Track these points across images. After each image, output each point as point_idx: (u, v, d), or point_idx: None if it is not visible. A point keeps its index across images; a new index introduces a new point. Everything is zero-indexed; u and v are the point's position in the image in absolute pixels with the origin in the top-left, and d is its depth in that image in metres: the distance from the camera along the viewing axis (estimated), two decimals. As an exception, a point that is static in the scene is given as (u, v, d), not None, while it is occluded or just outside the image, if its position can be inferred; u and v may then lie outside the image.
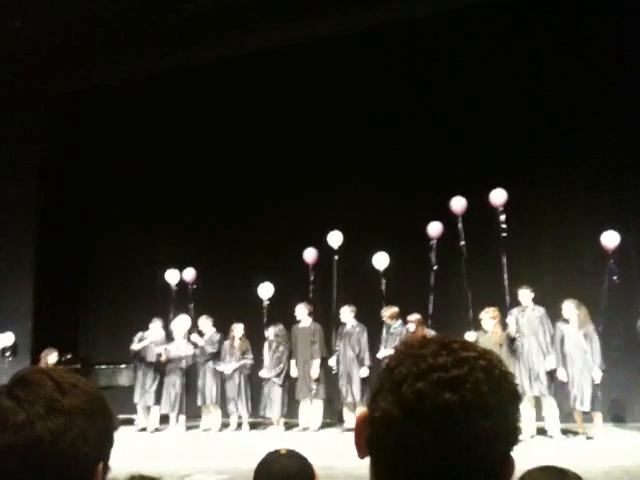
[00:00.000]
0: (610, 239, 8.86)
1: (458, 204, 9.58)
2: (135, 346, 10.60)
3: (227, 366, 10.29)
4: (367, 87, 11.01)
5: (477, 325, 9.10)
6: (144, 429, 10.46)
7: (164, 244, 11.58)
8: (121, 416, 10.24)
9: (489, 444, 0.95)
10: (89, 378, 10.44)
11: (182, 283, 11.06)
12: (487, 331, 8.99)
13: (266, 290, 10.42)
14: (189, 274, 11.10)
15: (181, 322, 10.63)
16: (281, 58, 11.16)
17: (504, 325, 8.99)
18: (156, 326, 10.77)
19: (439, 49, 10.61)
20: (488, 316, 9.00)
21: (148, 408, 10.66)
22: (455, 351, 0.98)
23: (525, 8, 10.17)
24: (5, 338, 11.58)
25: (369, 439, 1.00)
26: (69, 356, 11.02)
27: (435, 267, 9.68)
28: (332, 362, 9.89)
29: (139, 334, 10.75)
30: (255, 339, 10.39)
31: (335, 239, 10.32)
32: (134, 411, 10.71)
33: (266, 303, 10.34)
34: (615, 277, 8.69)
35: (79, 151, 12.83)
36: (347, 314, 9.93)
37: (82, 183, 12.87)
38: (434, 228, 9.74)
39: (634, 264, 9.37)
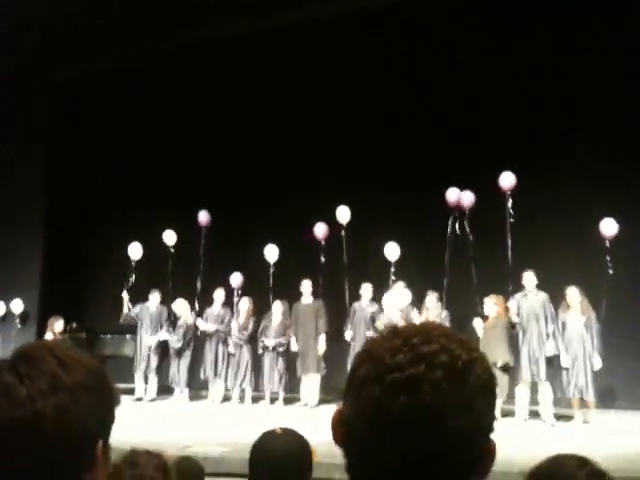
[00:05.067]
0: (608, 227, 8.80)
1: (467, 198, 9.51)
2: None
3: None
4: (373, 77, 11.02)
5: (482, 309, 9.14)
6: (140, 399, 10.53)
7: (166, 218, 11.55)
8: (123, 385, 10.32)
9: (456, 443, 0.91)
10: (94, 347, 10.55)
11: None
12: (489, 316, 9.01)
13: (272, 253, 10.43)
14: (203, 217, 11.09)
15: (182, 306, 10.65)
16: (290, 44, 11.15)
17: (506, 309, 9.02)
18: (155, 297, 10.84)
19: (441, 43, 10.60)
20: (490, 302, 9.03)
21: (146, 377, 10.73)
22: (414, 347, 0.94)
23: (525, 7, 10.11)
24: (14, 305, 11.64)
25: (337, 438, 0.98)
26: (75, 325, 11.11)
27: (470, 237, 9.53)
28: (348, 336, 9.86)
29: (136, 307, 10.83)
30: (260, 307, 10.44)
31: (343, 214, 10.26)
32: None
33: (272, 268, 10.34)
34: (610, 270, 8.65)
35: (84, 131, 12.82)
36: (367, 291, 9.95)
37: (88, 160, 12.90)
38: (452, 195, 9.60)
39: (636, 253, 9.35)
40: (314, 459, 2.19)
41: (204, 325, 10.58)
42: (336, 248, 10.21)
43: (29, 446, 1.00)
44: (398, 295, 9.57)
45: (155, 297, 10.93)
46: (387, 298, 9.61)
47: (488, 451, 0.97)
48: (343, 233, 10.23)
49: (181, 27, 11.23)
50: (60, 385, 1.03)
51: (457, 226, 9.58)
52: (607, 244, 8.76)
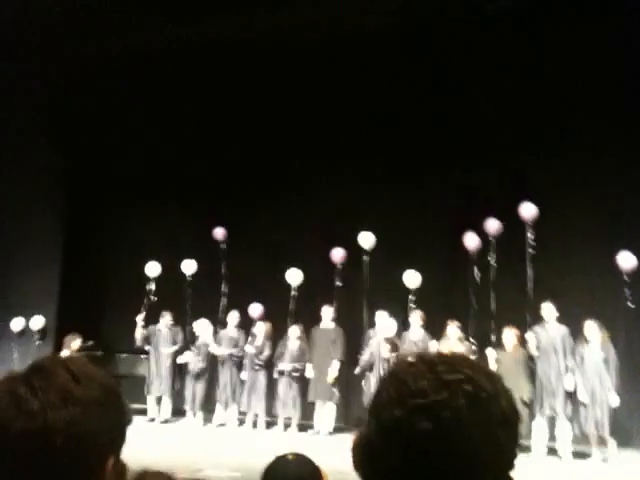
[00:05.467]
0: (625, 260, 8.66)
1: (492, 225, 9.42)
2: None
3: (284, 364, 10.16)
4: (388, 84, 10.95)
5: (499, 340, 9.02)
6: (153, 420, 10.50)
7: (185, 234, 11.56)
8: (138, 406, 10.31)
9: (473, 470, 0.92)
10: (110, 365, 10.55)
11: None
12: (506, 346, 8.92)
13: (295, 277, 10.35)
14: (219, 233, 11.04)
15: (204, 326, 10.67)
16: (292, 46, 11.05)
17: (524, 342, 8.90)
18: (166, 319, 10.87)
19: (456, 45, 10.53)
20: (511, 332, 8.91)
21: (159, 399, 10.70)
22: (439, 374, 0.95)
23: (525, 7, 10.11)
24: (33, 321, 11.70)
25: (356, 462, 0.99)
26: (91, 342, 11.13)
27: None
28: (362, 363, 9.66)
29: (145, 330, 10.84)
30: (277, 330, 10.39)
31: (366, 240, 10.16)
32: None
33: (294, 292, 10.28)
34: (629, 302, 8.52)
35: (103, 133, 12.79)
36: (381, 319, 9.75)
37: (110, 169, 12.83)
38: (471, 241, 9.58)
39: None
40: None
41: (217, 350, 10.54)
42: (356, 273, 10.12)
43: (39, 458, 1.01)
44: (382, 325, 9.51)
45: (166, 319, 10.91)
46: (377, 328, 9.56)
47: None
48: (366, 258, 10.12)
49: (182, 25, 11.16)
50: (72, 399, 1.04)
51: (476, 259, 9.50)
52: (625, 277, 8.62)
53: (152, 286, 11.00)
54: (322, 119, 11.18)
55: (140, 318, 10.77)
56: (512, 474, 0.98)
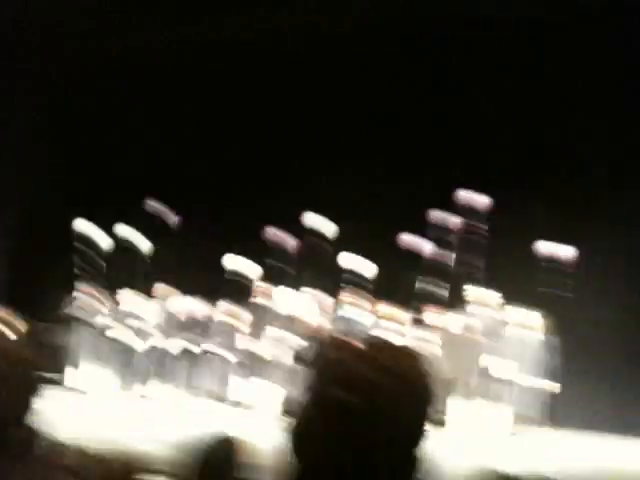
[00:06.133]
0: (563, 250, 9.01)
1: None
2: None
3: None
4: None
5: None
6: (83, 392, 10.33)
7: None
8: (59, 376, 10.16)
9: (389, 444, 0.99)
10: (35, 334, 10.30)
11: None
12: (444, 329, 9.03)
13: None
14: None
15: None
16: (289, 43, 11.09)
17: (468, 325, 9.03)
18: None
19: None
20: (434, 314, 9.11)
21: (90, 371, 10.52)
22: (372, 356, 1.04)
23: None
24: None
25: (289, 434, 1.06)
26: (6, 312, 10.83)
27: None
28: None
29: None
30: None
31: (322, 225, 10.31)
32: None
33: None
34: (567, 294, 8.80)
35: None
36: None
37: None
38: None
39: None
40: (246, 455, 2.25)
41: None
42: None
43: None
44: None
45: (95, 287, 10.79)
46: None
47: (418, 458, 1.05)
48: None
49: (181, 24, 11.16)
50: None
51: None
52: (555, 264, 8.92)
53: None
54: (322, 119, 11.14)
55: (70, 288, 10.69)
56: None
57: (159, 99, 11.79)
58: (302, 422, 1.04)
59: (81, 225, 11.17)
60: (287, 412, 1.07)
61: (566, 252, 9.03)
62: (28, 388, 1.07)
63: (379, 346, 1.10)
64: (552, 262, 9.00)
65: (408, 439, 1.04)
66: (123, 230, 11.17)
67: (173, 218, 11.12)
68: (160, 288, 10.68)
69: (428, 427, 1.07)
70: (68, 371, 10.49)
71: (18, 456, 1.09)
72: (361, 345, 1.08)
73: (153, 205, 11.31)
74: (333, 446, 0.98)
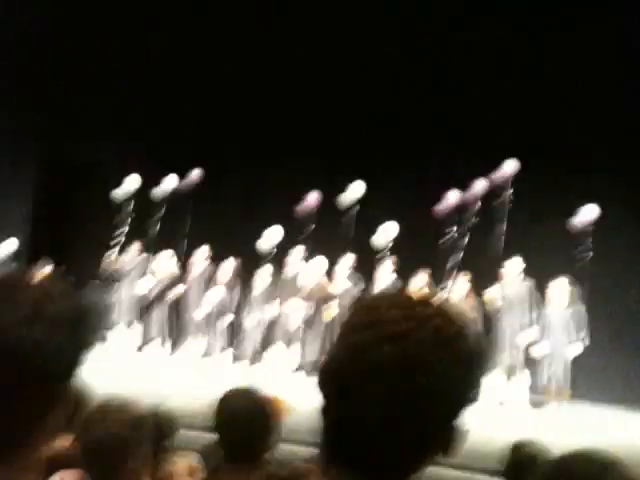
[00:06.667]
0: (586, 214, 8.92)
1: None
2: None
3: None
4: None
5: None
6: (123, 348, 10.52)
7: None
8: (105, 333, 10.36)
9: (427, 400, 0.96)
10: (82, 292, 10.57)
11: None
12: (461, 296, 9.02)
13: (274, 235, 10.45)
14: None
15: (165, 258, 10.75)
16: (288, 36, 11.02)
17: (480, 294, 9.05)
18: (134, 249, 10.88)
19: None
20: (464, 279, 9.11)
21: (129, 327, 10.74)
22: (410, 306, 0.99)
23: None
24: (7, 245, 11.54)
25: (321, 382, 1.02)
26: (62, 268, 11.08)
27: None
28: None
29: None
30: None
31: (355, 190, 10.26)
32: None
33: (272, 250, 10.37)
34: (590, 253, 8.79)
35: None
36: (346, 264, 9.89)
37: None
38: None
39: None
40: (282, 416, 2.22)
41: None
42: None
43: (4, 375, 0.97)
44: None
45: (134, 248, 10.95)
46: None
47: (454, 424, 1.01)
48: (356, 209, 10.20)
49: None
50: (43, 315, 1.00)
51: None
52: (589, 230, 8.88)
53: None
54: (322, 119, 11.14)
55: (111, 253, 10.84)
56: (467, 420, 1.02)
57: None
58: (327, 365, 1.01)
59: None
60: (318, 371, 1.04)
61: (591, 212, 8.95)
62: (90, 339, 1.07)
63: (419, 299, 1.02)
64: (578, 230, 8.94)
65: (445, 404, 0.98)
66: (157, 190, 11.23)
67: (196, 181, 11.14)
68: (198, 252, 10.76)
69: (472, 396, 1.03)
70: (110, 328, 10.67)
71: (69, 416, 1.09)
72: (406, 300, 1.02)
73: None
74: (355, 390, 0.96)
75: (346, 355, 0.98)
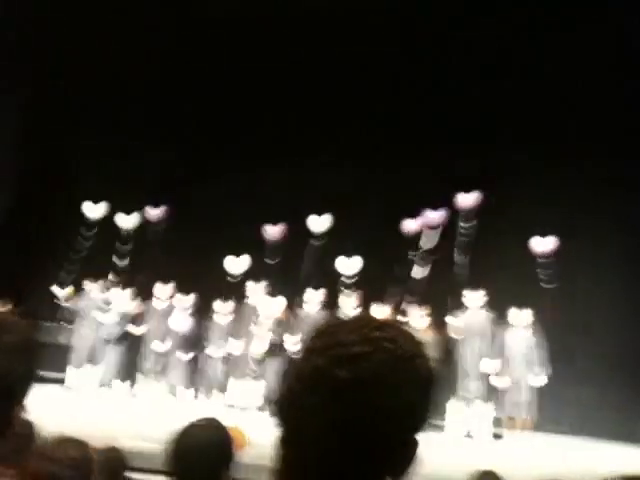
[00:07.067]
0: (539, 244, 9.10)
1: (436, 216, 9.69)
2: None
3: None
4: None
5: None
6: (74, 388, 10.28)
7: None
8: (57, 375, 10.09)
9: (384, 422, 0.96)
10: (46, 333, 10.32)
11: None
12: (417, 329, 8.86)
13: (239, 264, 10.36)
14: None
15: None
16: (289, 34, 11.12)
17: (441, 325, 9.05)
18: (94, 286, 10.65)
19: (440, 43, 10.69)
20: (422, 313, 9.06)
21: (82, 368, 10.49)
22: (364, 331, 0.99)
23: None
24: None
25: (277, 412, 1.02)
26: (11, 307, 10.79)
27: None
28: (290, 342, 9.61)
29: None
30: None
31: (317, 223, 10.29)
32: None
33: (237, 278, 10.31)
34: (543, 284, 8.91)
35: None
36: (314, 298, 9.80)
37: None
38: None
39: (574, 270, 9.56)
40: (241, 448, 2.18)
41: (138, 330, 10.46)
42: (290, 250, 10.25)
43: None
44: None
45: (93, 285, 10.72)
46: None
47: (410, 446, 1.00)
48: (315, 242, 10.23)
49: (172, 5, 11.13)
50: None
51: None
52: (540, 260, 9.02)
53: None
54: (322, 119, 11.18)
55: (56, 288, 10.65)
56: (421, 445, 1.01)
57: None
58: (284, 390, 1.01)
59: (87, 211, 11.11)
60: (273, 402, 1.05)
61: (550, 244, 9.11)
62: (36, 365, 1.11)
63: (377, 323, 1.03)
64: (540, 257, 9.07)
65: (401, 423, 0.98)
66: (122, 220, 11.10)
67: (163, 213, 11.06)
68: (159, 287, 10.61)
69: (427, 417, 1.01)
70: (66, 369, 10.42)
71: (19, 442, 1.11)
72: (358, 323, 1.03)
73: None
74: (312, 414, 0.96)
75: (303, 380, 0.99)
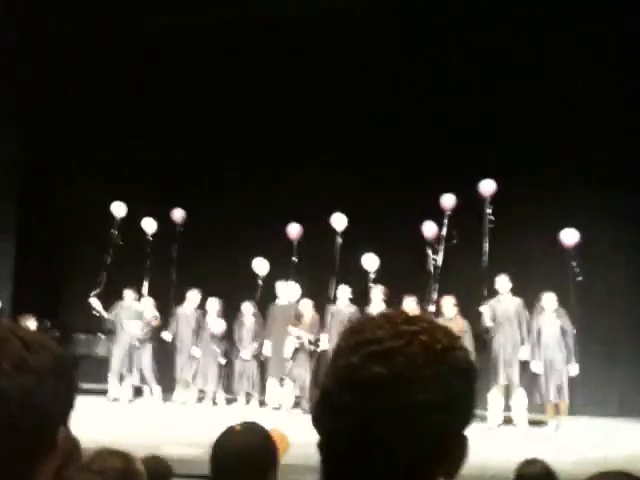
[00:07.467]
0: (569, 236, 8.95)
1: (448, 200, 9.61)
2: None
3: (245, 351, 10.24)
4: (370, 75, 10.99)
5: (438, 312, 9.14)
6: (115, 399, 10.39)
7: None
8: (96, 386, 10.16)
9: (423, 416, 0.92)
10: (68, 346, 10.42)
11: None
12: (449, 318, 8.80)
13: (262, 265, 10.39)
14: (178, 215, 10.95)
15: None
16: (290, 35, 11.10)
17: (474, 314, 9.01)
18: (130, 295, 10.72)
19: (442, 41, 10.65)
20: (450, 302, 9.00)
21: (122, 378, 10.59)
22: (396, 325, 0.97)
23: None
24: None
25: (315, 417, 0.99)
26: (48, 323, 10.93)
27: (454, 241, 9.61)
28: (324, 343, 9.61)
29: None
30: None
31: (339, 221, 10.26)
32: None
33: (260, 280, 10.32)
34: (579, 278, 8.80)
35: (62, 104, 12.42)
36: (344, 294, 9.82)
37: (65, 143, 12.52)
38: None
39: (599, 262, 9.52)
40: (283, 452, 2.16)
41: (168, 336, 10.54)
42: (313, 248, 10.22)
43: None
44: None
45: (130, 295, 10.78)
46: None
47: (459, 445, 0.97)
48: (340, 240, 10.18)
49: (168, 9, 11.19)
50: (25, 367, 1.00)
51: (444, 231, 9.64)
52: (571, 252, 8.90)
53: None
54: (322, 119, 11.18)
55: (94, 300, 10.68)
56: (468, 438, 0.98)
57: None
58: (321, 393, 0.98)
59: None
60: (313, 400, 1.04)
61: (573, 236, 9.00)
62: (72, 384, 1.08)
63: (409, 317, 1.00)
64: (564, 249, 8.97)
65: (448, 417, 0.94)
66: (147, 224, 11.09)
67: (182, 216, 11.08)
68: (189, 293, 10.64)
69: (473, 408, 0.99)
70: (104, 380, 10.51)
71: (64, 457, 1.10)
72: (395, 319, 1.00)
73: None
74: (350, 413, 0.93)
75: (336, 381, 0.96)
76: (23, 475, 1.00)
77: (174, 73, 11.79)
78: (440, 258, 9.68)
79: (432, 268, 9.64)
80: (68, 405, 1.06)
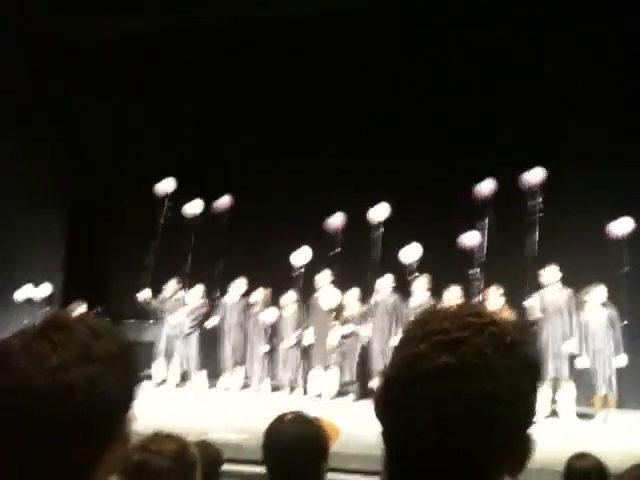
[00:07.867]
0: (619, 226, 8.80)
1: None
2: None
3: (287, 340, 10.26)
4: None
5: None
6: (162, 382, 10.53)
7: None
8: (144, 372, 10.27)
9: (490, 408, 0.90)
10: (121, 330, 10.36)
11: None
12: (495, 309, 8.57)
13: (302, 256, 10.36)
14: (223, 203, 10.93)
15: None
16: (290, 35, 11.10)
17: (517, 305, 8.85)
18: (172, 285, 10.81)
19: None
20: (497, 293, 8.89)
21: (168, 364, 10.69)
22: (463, 317, 0.97)
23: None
24: (42, 289, 11.33)
25: (377, 402, 0.98)
26: (99, 309, 10.96)
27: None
28: (366, 331, 9.67)
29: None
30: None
31: (380, 212, 10.17)
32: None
33: (300, 270, 10.30)
34: (626, 268, 8.69)
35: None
36: (387, 283, 9.78)
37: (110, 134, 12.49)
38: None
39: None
40: (333, 440, 2.14)
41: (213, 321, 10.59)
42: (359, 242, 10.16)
43: (60, 417, 0.97)
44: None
45: (172, 284, 10.88)
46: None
47: (524, 444, 0.96)
48: (382, 230, 10.11)
49: (168, 9, 11.20)
50: (92, 355, 1.00)
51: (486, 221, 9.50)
52: (622, 242, 8.75)
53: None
54: (322, 119, 11.19)
55: (144, 294, 10.78)
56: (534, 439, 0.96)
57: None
58: (384, 382, 0.97)
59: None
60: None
61: (626, 225, 8.82)
62: (136, 373, 1.08)
63: (476, 310, 0.99)
64: (614, 238, 8.79)
65: (515, 411, 0.92)
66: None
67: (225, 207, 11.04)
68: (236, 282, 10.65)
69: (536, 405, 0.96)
70: (151, 365, 10.61)
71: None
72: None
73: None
74: (414, 406, 0.92)
75: (402, 370, 0.96)
76: (92, 462, 1.01)
77: (174, 73, 11.80)
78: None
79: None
80: (132, 393, 1.07)
